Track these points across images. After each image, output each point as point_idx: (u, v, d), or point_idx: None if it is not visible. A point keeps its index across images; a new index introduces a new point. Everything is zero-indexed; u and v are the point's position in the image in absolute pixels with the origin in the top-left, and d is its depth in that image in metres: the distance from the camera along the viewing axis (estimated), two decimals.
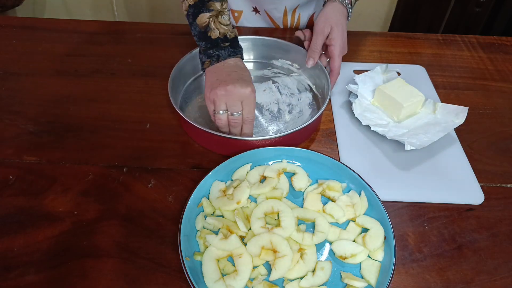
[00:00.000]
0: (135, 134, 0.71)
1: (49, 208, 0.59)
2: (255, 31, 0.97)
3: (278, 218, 0.57)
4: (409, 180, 0.64)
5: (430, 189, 0.63)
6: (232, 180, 0.62)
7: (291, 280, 0.51)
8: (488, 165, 0.68)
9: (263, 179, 0.62)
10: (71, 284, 0.51)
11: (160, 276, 0.52)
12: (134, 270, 0.53)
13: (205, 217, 0.57)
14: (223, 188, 0.59)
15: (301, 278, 0.51)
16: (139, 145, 0.69)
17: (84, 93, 0.79)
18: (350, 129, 0.73)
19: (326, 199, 0.60)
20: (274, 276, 0.50)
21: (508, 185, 0.65)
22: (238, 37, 0.70)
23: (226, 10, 0.68)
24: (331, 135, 0.72)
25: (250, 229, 0.55)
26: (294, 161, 0.65)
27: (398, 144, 0.69)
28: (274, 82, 0.81)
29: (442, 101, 0.79)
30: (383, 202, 0.58)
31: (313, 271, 0.52)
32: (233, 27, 0.70)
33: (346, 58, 0.89)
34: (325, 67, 0.77)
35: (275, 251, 0.52)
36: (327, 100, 0.69)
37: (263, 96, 0.78)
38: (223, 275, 0.51)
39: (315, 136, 0.72)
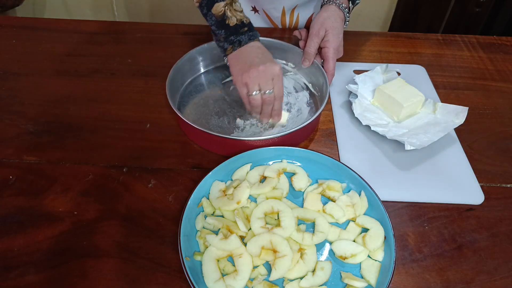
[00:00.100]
0: (135, 134, 0.71)
1: (49, 208, 0.59)
2: None
3: (278, 218, 0.57)
4: (409, 180, 0.64)
5: (430, 189, 0.63)
6: (232, 180, 0.62)
7: (291, 280, 0.51)
8: (488, 165, 0.68)
9: (263, 179, 0.62)
10: (71, 284, 0.51)
11: (160, 276, 0.52)
12: (134, 270, 0.53)
13: (205, 217, 0.57)
14: (223, 188, 0.59)
15: (301, 278, 0.51)
16: (139, 145, 0.69)
17: (84, 93, 0.79)
18: (350, 129, 0.73)
19: (326, 199, 0.60)
20: (274, 276, 0.50)
21: (508, 185, 0.65)
22: None
23: None
24: (331, 135, 0.72)
25: (250, 229, 0.55)
26: (294, 161, 0.65)
27: (398, 144, 0.69)
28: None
29: (442, 101, 0.79)
30: (383, 202, 0.58)
31: (313, 271, 0.52)
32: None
33: (346, 58, 0.89)
34: (322, 66, 0.77)
35: (275, 251, 0.52)
36: (326, 99, 0.69)
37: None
38: (223, 275, 0.51)
39: (315, 136, 0.72)
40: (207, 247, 0.53)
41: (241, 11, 0.69)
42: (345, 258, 0.53)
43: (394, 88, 0.73)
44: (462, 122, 0.70)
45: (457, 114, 0.71)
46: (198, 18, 0.79)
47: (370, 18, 1.99)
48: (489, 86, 0.85)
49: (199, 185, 0.58)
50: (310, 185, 0.62)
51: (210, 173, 0.60)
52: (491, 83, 0.86)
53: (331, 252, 0.55)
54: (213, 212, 0.58)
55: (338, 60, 0.88)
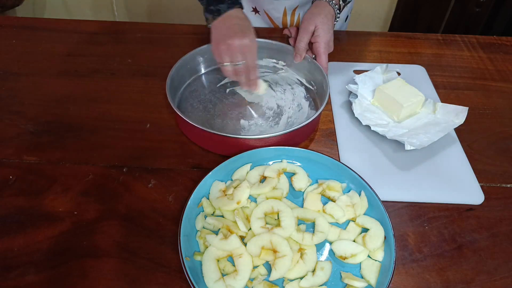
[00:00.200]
0: (135, 134, 0.71)
1: (49, 208, 0.59)
2: (255, 31, 0.96)
3: (278, 218, 0.57)
4: (409, 180, 0.64)
5: (430, 189, 0.63)
6: (232, 180, 0.62)
7: (291, 280, 0.51)
8: (488, 165, 0.68)
9: (263, 179, 0.62)
10: (71, 284, 0.51)
11: (160, 276, 0.52)
12: (134, 270, 0.53)
13: (205, 217, 0.57)
14: (223, 188, 0.59)
15: (301, 278, 0.51)
16: (139, 145, 0.69)
17: (84, 93, 0.79)
18: (350, 129, 0.73)
19: (326, 199, 0.60)
20: (274, 276, 0.50)
21: (508, 185, 0.65)
22: None
23: None
24: (331, 135, 0.72)
25: (250, 229, 0.55)
26: (294, 161, 0.65)
27: (398, 144, 0.69)
28: (265, 81, 0.81)
29: (442, 101, 0.79)
30: (383, 202, 0.58)
31: (313, 271, 0.52)
32: None
33: (346, 58, 0.89)
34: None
35: (275, 251, 0.52)
36: (326, 100, 0.69)
37: (258, 96, 0.78)
38: (223, 275, 0.51)
39: (315, 136, 0.72)
40: (207, 247, 0.53)
41: None
42: (345, 258, 0.53)
43: (394, 88, 0.73)
44: (462, 122, 0.70)
45: (457, 114, 0.71)
46: (198, 18, 0.79)
47: (370, 18, 1.99)
48: (489, 86, 0.85)
49: (199, 185, 0.58)
50: (310, 185, 0.62)
51: (210, 173, 0.60)
52: (491, 83, 0.86)
53: (331, 252, 0.55)
54: (213, 212, 0.58)
55: (338, 60, 0.89)
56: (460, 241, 0.58)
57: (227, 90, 0.79)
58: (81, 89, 0.80)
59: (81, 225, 0.57)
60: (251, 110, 0.75)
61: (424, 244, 0.57)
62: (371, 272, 0.52)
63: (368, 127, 0.71)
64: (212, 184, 0.60)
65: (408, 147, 0.64)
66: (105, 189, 0.62)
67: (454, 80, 0.86)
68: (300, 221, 0.58)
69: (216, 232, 0.55)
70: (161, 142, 0.70)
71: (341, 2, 0.80)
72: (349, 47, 0.93)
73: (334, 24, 0.79)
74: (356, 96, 0.76)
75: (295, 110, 0.76)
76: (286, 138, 0.65)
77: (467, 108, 0.70)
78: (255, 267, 0.52)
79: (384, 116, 0.74)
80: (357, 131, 0.73)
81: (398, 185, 0.64)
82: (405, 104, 0.70)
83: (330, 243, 0.55)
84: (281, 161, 0.64)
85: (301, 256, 0.53)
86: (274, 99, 0.78)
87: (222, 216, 0.57)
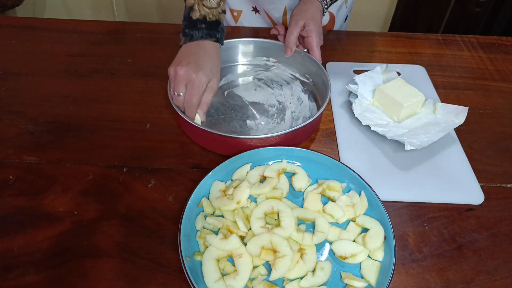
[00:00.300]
0: (135, 134, 0.71)
1: (49, 208, 0.59)
2: (255, 31, 0.97)
3: (278, 218, 0.57)
4: (409, 180, 0.64)
5: (430, 189, 0.63)
6: (232, 180, 0.62)
7: (291, 280, 0.51)
8: (488, 165, 0.68)
9: (263, 179, 0.62)
10: (71, 284, 0.51)
11: (160, 276, 0.52)
12: (134, 270, 0.53)
13: (205, 217, 0.57)
14: (223, 188, 0.59)
15: (301, 278, 0.51)
16: (139, 145, 0.69)
17: (84, 93, 0.79)
18: (350, 129, 0.73)
19: (326, 199, 0.60)
20: (274, 276, 0.50)
21: (508, 185, 0.65)
22: None
23: None
24: (331, 135, 0.72)
25: (250, 229, 0.55)
26: (294, 161, 0.65)
27: (398, 144, 0.69)
28: (259, 79, 0.81)
29: (442, 101, 0.79)
30: (383, 202, 0.58)
31: (313, 271, 0.52)
32: (221, 12, 0.71)
33: (346, 58, 0.89)
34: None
35: (275, 251, 0.52)
36: (327, 100, 0.69)
37: (257, 95, 0.78)
38: (223, 275, 0.51)
39: (315, 136, 0.72)
40: (207, 247, 0.53)
41: (212, 8, 0.69)
42: (345, 258, 0.53)
43: (394, 88, 0.73)
44: (462, 122, 0.70)
45: (457, 114, 0.71)
46: None
47: (370, 18, 1.99)
48: (489, 86, 0.85)
49: (199, 185, 0.58)
50: (310, 185, 0.62)
51: (210, 173, 0.60)
52: (491, 83, 0.86)
53: (331, 252, 0.55)
54: (213, 212, 0.58)
55: (338, 60, 0.89)
56: (460, 241, 0.58)
57: (225, 93, 0.79)
58: (81, 89, 0.80)
59: (81, 225, 0.57)
60: (253, 110, 0.75)
61: (424, 244, 0.57)
62: (371, 272, 0.52)
63: (368, 127, 0.71)
64: (212, 184, 0.60)
65: (408, 147, 0.64)
66: (105, 189, 0.62)
67: (454, 80, 0.86)
68: (300, 221, 0.58)
69: (216, 232, 0.55)
70: (161, 142, 0.70)
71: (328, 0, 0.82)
72: (349, 47, 0.93)
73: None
74: (356, 96, 0.76)
75: (297, 104, 0.76)
76: (287, 138, 0.65)
77: (467, 108, 0.70)
78: (255, 267, 0.52)
79: (384, 116, 0.74)
80: (357, 131, 0.73)
81: (398, 185, 0.64)
82: (405, 104, 0.70)
83: (330, 243, 0.55)
84: (281, 161, 0.64)
85: (301, 256, 0.53)
86: (273, 96, 0.78)
87: (222, 216, 0.57)
